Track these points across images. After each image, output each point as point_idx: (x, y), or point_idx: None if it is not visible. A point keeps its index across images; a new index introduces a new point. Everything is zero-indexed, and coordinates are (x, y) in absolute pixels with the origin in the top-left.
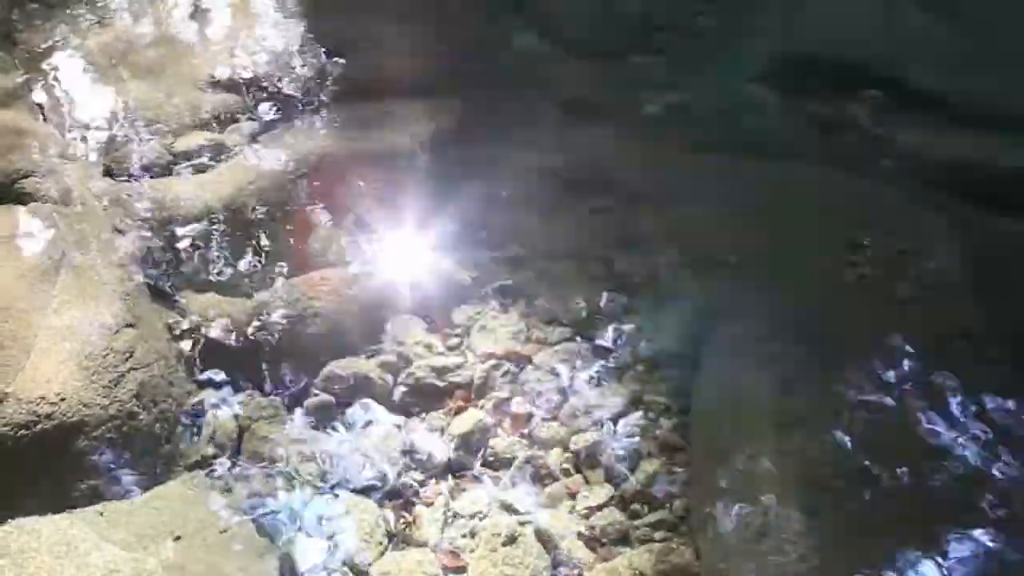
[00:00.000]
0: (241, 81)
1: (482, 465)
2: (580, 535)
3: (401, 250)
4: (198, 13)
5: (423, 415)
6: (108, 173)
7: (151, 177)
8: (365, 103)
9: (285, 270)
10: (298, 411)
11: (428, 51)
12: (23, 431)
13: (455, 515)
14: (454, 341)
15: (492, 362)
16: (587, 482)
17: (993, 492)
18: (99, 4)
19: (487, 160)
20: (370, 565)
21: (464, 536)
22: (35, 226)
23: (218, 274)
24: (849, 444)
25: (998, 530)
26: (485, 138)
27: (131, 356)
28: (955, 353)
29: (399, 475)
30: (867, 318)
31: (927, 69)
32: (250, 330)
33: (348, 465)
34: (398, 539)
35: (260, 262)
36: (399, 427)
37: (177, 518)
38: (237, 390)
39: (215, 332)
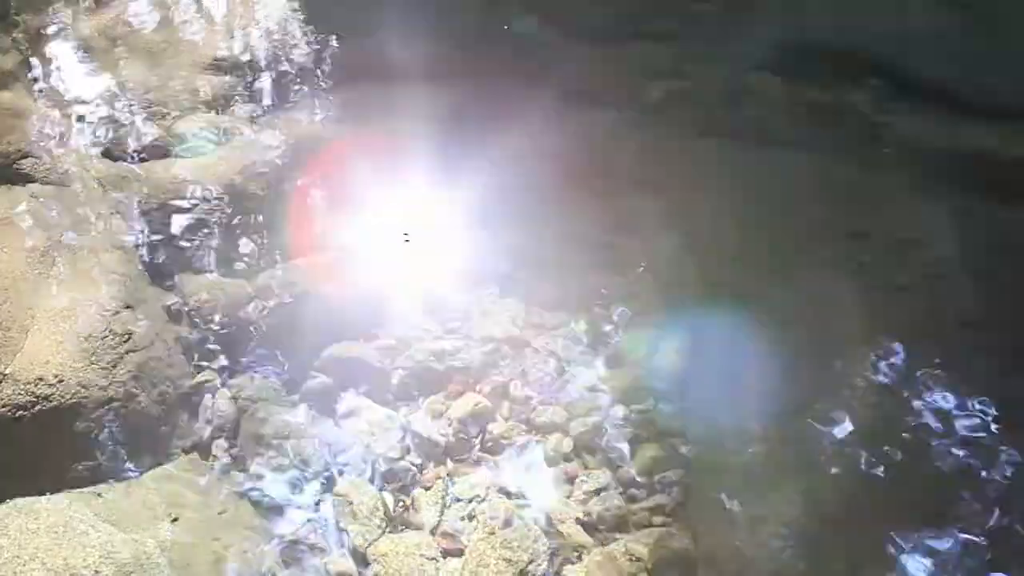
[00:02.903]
0: (240, 64)
1: (481, 449)
2: (578, 519)
3: (401, 234)
4: None
5: (422, 399)
6: (107, 155)
7: (150, 159)
8: (363, 87)
9: (284, 253)
10: (297, 394)
11: (428, 35)
12: (22, 412)
13: (454, 498)
14: (453, 325)
15: (491, 346)
16: (586, 467)
17: (992, 479)
18: None
19: (487, 145)
20: (368, 547)
21: (462, 519)
22: (33, 207)
23: (217, 256)
24: (847, 432)
25: (997, 517)
26: (484, 123)
27: (130, 338)
28: (956, 341)
29: (398, 458)
30: (867, 306)
31: (929, 58)
32: (249, 313)
33: (346, 448)
34: (396, 522)
35: (259, 245)
36: (398, 411)
37: (175, 499)
38: (236, 373)
39: (214, 314)
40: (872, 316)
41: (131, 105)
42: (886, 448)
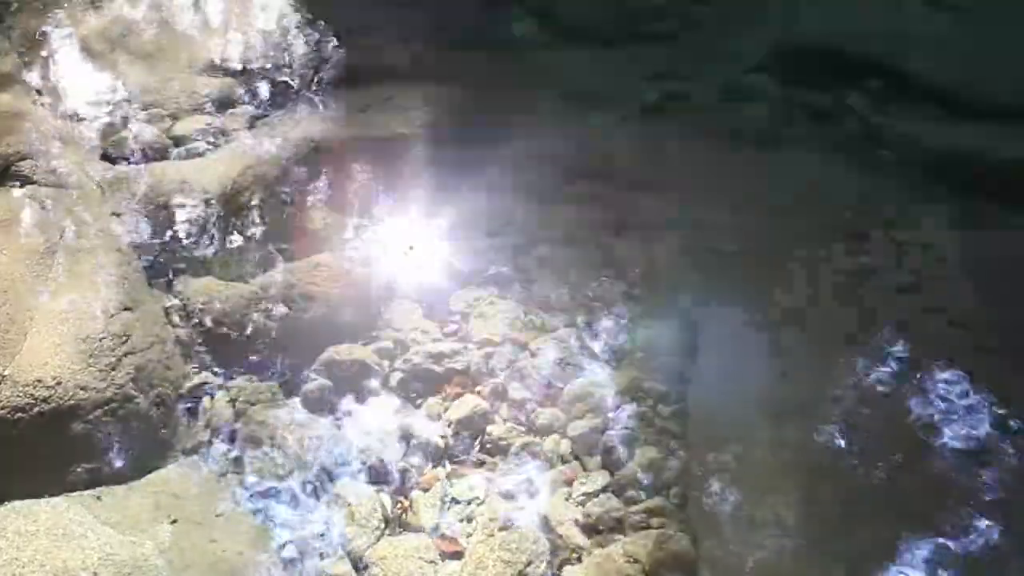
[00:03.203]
0: (239, 66)
1: (479, 451)
2: (577, 521)
3: (399, 236)
4: None
5: (421, 401)
6: (105, 157)
7: (149, 161)
8: (364, 89)
9: (283, 255)
10: (295, 396)
11: (427, 37)
12: (20, 414)
13: (452, 500)
14: (452, 327)
15: (490, 348)
16: (584, 468)
17: (988, 479)
18: None
19: (486, 147)
20: (367, 550)
21: (461, 521)
22: (32, 209)
23: (216, 259)
24: (846, 432)
25: (997, 517)
26: (484, 125)
27: (128, 340)
28: (955, 342)
29: (396, 461)
30: (865, 307)
31: (927, 59)
32: (248, 315)
33: (345, 450)
34: (395, 524)
35: (258, 247)
36: (396, 413)
37: (174, 502)
38: (234, 375)
39: (212, 316)
40: (871, 317)
41: (130, 107)
42: (886, 448)
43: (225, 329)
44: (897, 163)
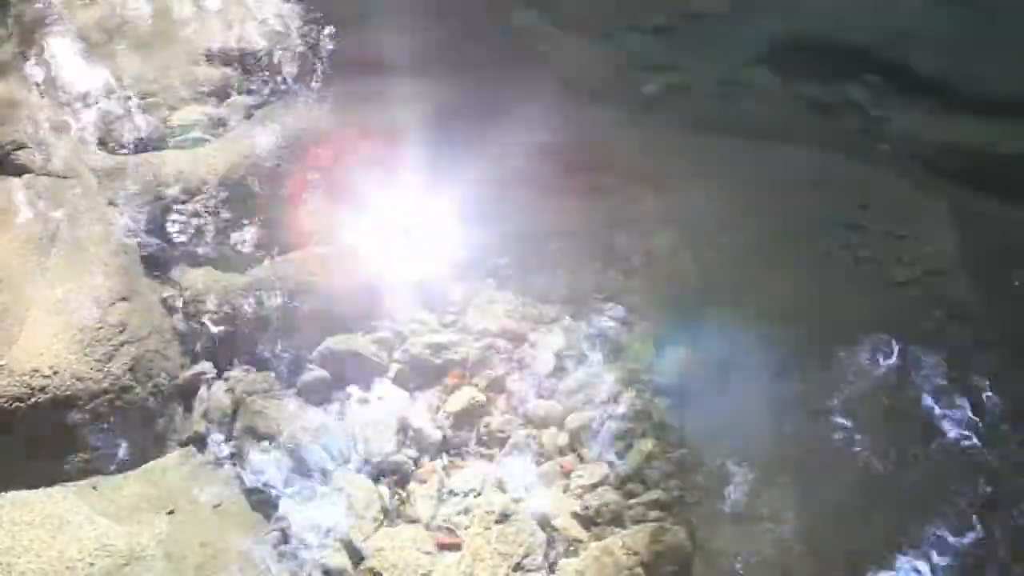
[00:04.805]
0: (237, 55)
1: (477, 443)
2: (574, 514)
3: (398, 227)
4: None
5: (418, 392)
6: (103, 146)
7: (146, 151)
8: (363, 79)
9: (280, 245)
10: (293, 387)
11: (427, 27)
12: (16, 404)
13: (450, 492)
14: (450, 318)
15: (488, 340)
16: (582, 461)
17: (991, 475)
18: None
19: (486, 138)
20: (364, 541)
21: (458, 513)
22: (29, 198)
23: (213, 248)
24: (844, 426)
25: (996, 513)
26: (484, 116)
27: (125, 329)
28: (953, 336)
29: (394, 452)
30: (864, 301)
31: (927, 53)
32: (245, 305)
33: (343, 441)
34: (392, 515)
35: (255, 237)
36: (394, 404)
37: (171, 492)
38: (231, 365)
39: (209, 306)
40: (870, 311)
41: (127, 97)
42: (883, 443)
43: (222, 319)
44: (896, 156)
